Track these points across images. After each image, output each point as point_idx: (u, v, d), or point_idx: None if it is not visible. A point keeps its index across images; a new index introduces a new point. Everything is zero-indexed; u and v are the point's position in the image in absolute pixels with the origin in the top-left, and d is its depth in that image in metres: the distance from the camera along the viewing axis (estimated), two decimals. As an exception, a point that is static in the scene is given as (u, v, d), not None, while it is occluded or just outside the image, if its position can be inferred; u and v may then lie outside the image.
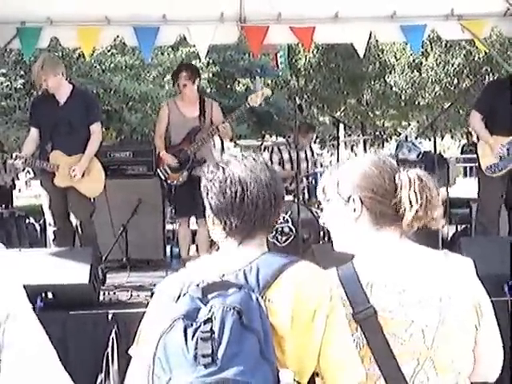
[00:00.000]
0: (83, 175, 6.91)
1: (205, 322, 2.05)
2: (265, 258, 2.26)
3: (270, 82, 24.63)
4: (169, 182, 7.52)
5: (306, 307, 2.17)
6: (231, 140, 8.68)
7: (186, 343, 2.05)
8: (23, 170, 17.57)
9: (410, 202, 2.45)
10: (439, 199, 2.52)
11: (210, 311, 2.07)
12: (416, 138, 8.59)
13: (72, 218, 7.01)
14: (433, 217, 2.49)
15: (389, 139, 38.22)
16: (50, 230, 7.16)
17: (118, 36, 8.36)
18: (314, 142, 36.58)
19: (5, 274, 2.22)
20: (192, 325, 2.07)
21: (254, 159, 2.32)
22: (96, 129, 7.06)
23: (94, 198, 7.18)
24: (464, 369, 2.50)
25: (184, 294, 2.16)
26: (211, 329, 2.04)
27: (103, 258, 7.32)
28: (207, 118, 7.58)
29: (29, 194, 28.25)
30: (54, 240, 7.11)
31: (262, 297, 2.15)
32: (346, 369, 2.23)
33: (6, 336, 2.10)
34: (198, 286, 2.14)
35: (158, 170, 7.54)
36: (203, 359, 2.02)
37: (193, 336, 2.05)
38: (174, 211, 7.94)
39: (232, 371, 2.01)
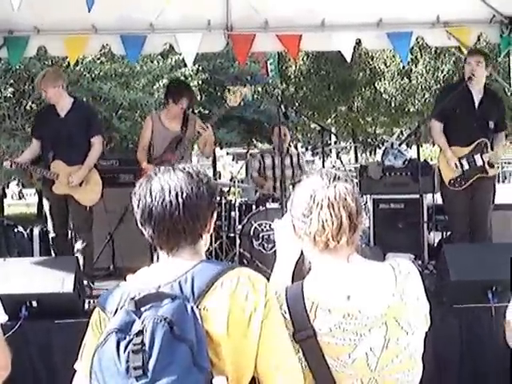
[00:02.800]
0: (81, 184, 7.23)
1: (137, 335, 2.09)
2: (200, 266, 2.28)
3: (260, 89, 24.64)
4: None
5: (241, 313, 2.20)
6: (215, 144, 8.70)
7: (119, 356, 2.08)
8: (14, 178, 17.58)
9: (323, 224, 2.46)
10: (357, 218, 2.50)
11: (142, 323, 2.10)
12: (400, 145, 8.57)
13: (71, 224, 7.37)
14: (348, 238, 2.48)
15: (381, 145, 38.23)
16: (50, 237, 7.44)
17: (106, 44, 8.37)
18: (306, 149, 36.46)
19: None
20: (125, 338, 2.10)
21: (176, 170, 2.35)
22: (96, 141, 7.38)
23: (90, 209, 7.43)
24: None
25: (121, 308, 2.20)
26: (142, 341, 2.07)
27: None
28: (189, 129, 7.66)
29: (21, 202, 28.22)
30: (52, 246, 7.42)
31: (198, 306, 2.17)
32: (283, 372, 2.25)
33: None
34: (132, 299, 2.17)
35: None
36: (135, 371, 2.05)
37: (125, 349, 2.08)
38: None
39: (164, 382, 2.04)
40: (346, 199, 2.46)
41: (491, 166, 7.10)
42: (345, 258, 2.51)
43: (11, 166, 7.24)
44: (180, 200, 2.27)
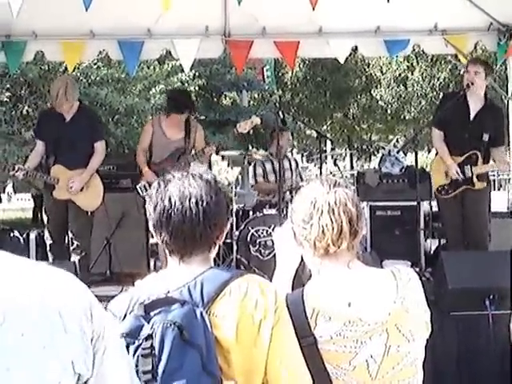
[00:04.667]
0: (82, 189, 7.15)
1: (146, 339, 2.07)
2: (210, 272, 2.27)
3: (256, 95, 24.65)
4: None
5: (250, 320, 2.19)
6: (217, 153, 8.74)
7: None
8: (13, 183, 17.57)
9: (323, 229, 2.45)
10: (357, 224, 2.49)
11: (151, 328, 2.09)
12: (398, 152, 8.58)
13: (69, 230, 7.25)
14: (348, 243, 2.47)
15: (376, 153, 38.24)
16: (48, 243, 7.37)
17: (103, 50, 8.36)
18: (302, 156, 36.36)
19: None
20: (134, 342, 2.08)
21: (195, 176, 2.35)
22: (99, 146, 7.31)
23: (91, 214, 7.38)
24: None
25: (130, 313, 2.18)
26: (151, 345, 2.06)
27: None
28: (191, 140, 7.64)
29: (16, 206, 28.20)
30: (50, 251, 7.33)
31: (207, 311, 2.16)
32: (293, 380, 2.24)
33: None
34: (141, 303, 2.16)
35: (138, 187, 7.53)
36: (144, 376, 2.04)
37: (134, 353, 2.07)
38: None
39: None
40: (346, 204, 2.46)
41: (480, 179, 7.08)
42: (345, 264, 2.50)
43: (26, 174, 7.09)
44: (200, 208, 2.27)
